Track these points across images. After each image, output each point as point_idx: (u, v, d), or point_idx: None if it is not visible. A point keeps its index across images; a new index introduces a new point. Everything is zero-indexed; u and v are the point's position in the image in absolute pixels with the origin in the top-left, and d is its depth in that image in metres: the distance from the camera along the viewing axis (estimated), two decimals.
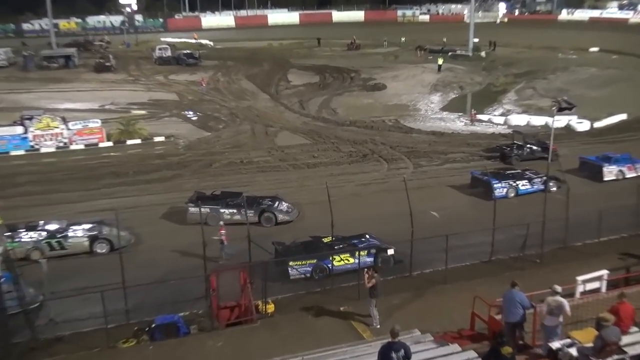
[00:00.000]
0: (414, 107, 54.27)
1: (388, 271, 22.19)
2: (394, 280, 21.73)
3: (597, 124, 45.65)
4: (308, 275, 22.02)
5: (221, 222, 25.23)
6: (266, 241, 23.15)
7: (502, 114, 50.46)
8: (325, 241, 22.90)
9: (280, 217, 27.56)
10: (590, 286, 18.70)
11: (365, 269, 18.88)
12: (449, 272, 21.79)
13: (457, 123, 49.00)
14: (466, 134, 45.16)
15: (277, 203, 28.02)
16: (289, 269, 21.93)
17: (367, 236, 23.74)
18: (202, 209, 25.53)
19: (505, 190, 30.88)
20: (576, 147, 40.50)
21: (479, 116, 49.92)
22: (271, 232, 26.29)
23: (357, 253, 22.02)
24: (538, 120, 46.74)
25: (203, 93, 58.90)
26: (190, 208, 27.23)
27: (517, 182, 31.24)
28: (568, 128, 45.32)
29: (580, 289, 18.27)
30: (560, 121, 45.37)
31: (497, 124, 47.93)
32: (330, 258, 22.10)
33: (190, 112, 50.99)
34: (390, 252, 22.99)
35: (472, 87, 61.87)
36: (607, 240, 24.98)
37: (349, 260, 22.17)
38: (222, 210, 27.18)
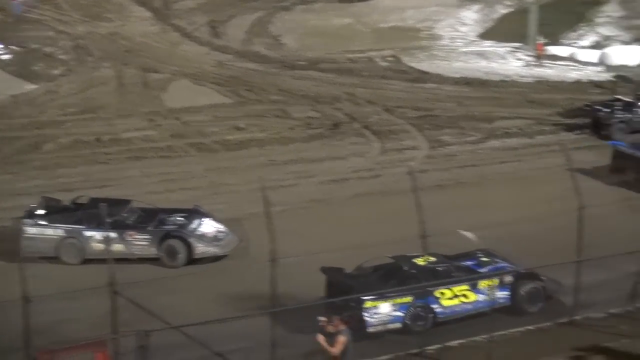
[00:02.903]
0: (430, 33, 54.86)
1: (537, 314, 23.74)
2: (545, 330, 23.16)
3: None
4: (400, 325, 23.09)
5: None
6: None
7: (594, 45, 50.91)
8: (419, 263, 24.18)
9: (200, 248, 27.90)
10: None
11: (323, 319, 19.82)
12: None
13: (511, 62, 49.57)
14: (528, 82, 45.57)
15: (195, 222, 28.76)
16: (364, 314, 22.85)
17: (485, 254, 25.52)
18: (53, 231, 26.91)
19: None
20: None
21: (552, 49, 50.14)
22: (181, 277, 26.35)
23: (481, 284, 23.56)
24: None
25: (20, 10, 58.60)
26: (26, 228, 27.38)
27: None
28: None
29: None
30: None
31: (586, 64, 48.54)
32: (436, 294, 23.35)
33: None
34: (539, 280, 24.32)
35: None
36: None
37: (467, 298, 23.55)
38: (88, 234, 27.64)
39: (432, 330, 23.16)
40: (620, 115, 37.89)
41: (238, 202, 30.84)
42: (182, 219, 28.66)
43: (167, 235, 27.85)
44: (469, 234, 28.38)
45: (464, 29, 55.91)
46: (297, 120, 40.12)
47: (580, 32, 53.77)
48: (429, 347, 22.48)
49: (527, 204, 31.00)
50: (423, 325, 23.24)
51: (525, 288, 24.06)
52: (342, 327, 19.30)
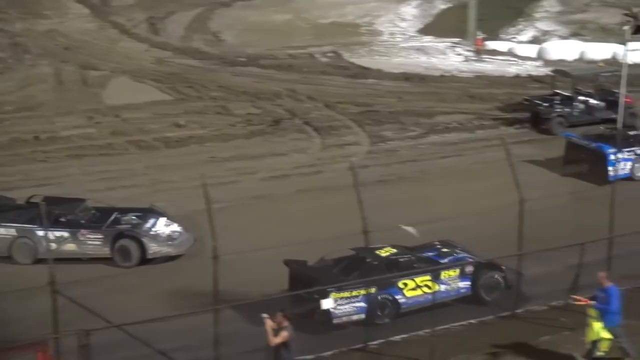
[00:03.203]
0: (370, 29, 55.18)
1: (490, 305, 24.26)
2: (488, 323, 23.50)
3: None
4: (363, 316, 23.34)
5: None
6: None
7: (533, 40, 51.45)
8: (381, 255, 24.60)
9: (153, 247, 27.67)
10: None
11: (265, 315, 19.76)
12: None
13: (451, 57, 50.04)
14: (468, 77, 45.99)
15: (150, 221, 28.64)
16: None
17: (444, 245, 25.99)
18: (5, 230, 27.11)
19: (629, 164, 32.60)
20: None
21: (491, 44, 50.56)
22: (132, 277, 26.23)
23: (443, 274, 24.04)
24: (599, 51, 47.98)
25: None
26: None
27: None
28: None
29: None
30: (639, 51, 46.43)
31: (525, 59, 49.06)
32: (400, 285, 23.71)
33: None
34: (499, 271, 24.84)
35: None
36: None
37: (429, 288, 23.85)
38: (40, 233, 27.30)
39: (395, 320, 23.53)
40: (559, 109, 38.28)
41: (179, 199, 30.65)
42: (136, 218, 28.43)
43: (120, 235, 27.64)
44: (410, 229, 28.41)
45: (403, 24, 56.19)
46: (237, 116, 40.04)
47: (519, 27, 54.29)
48: (372, 342, 22.51)
49: (468, 199, 31.25)
50: (387, 316, 23.62)
51: (486, 278, 24.52)
52: (286, 323, 19.22)
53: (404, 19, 57.06)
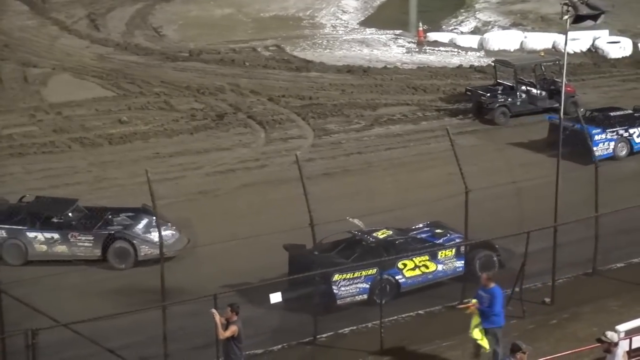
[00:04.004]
0: (312, 22, 54.86)
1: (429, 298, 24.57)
2: (435, 314, 23.96)
3: None
4: (365, 297, 24.02)
5: None
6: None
7: (474, 31, 51.54)
8: (379, 236, 25.46)
9: (144, 249, 27.36)
10: None
11: (214, 310, 19.77)
12: None
13: (393, 49, 49.73)
14: (411, 68, 45.79)
15: (142, 222, 28.22)
16: (334, 287, 23.74)
17: (435, 226, 26.59)
18: None
19: (612, 144, 33.79)
20: (613, 87, 42.47)
21: (433, 35, 50.54)
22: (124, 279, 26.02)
23: (440, 254, 24.72)
24: (540, 41, 48.07)
25: None
26: None
27: (632, 131, 34.38)
28: (594, 53, 47.12)
29: (624, 346, 18.90)
30: (579, 40, 46.72)
31: (467, 49, 49.04)
32: (399, 265, 24.36)
33: None
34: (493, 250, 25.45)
35: None
36: None
37: (427, 268, 24.55)
38: (31, 235, 27.33)
39: (396, 300, 24.05)
40: (501, 99, 38.37)
41: (123, 196, 30.51)
42: (128, 219, 28.07)
43: (111, 237, 27.35)
44: (356, 221, 28.50)
45: (345, 17, 56.03)
46: (181, 112, 39.70)
47: (460, 18, 54.36)
48: (321, 335, 22.62)
49: (413, 189, 31.44)
50: (388, 295, 24.04)
51: (480, 257, 25.08)
52: (235, 317, 19.24)
53: (345, 12, 56.97)
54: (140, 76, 44.29)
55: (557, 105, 33.55)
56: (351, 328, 22.87)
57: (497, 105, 38.11)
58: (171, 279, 21.91)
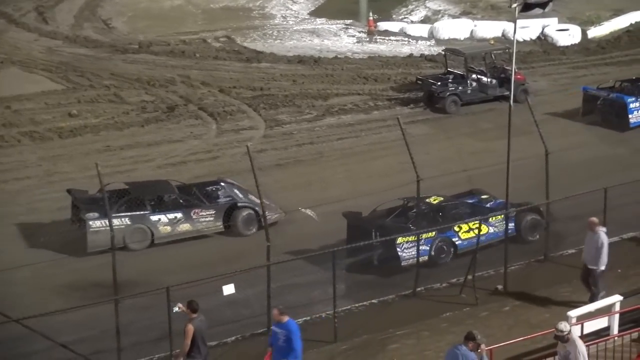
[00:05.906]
0: (262, 12, 54.71)
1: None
2: (389, 303, 24.19)
3: (595, 32, 48.20)
4: (426, 257, 25.59)
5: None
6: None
7: (424, 19, 51.59)
8: (432, 202, 26.97)
9: (268, 215, 27.47)
10: (592, 326, 19.97)
11: (180, 304, 19.90)
12: None
13: (344, 39, 49.76)
14: (361, 58, 45.92)
15: (240, 192, 29.26)
16: (398, 249, 25.11)
17: (479, 193, 28.24)
18: (118, 221, 26.45)
19: None
20: (563, 74, 42.87)
21: (383, 24, 50.61)
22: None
23: (491, 218, 26.08)
24: (489, 29, 48.37)
25: None
26: (91, 222, 27.00)
27: None
28: (543, 41, 47.49)
29: (576, 331, 19.15)
30: (528, 29, 47.04)
31: (418, 38, 49.15)
32: (455, 229, 26.06)
33: None
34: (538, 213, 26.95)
35: None
36: (621, 241, 26.55)
37: (481, 230, 25.20)
38: (154, 218, 27.64)
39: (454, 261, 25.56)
40: (452, 88, 38.53)
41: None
42: (227, 190, 29.07)
43: (233, 206, 28.15)
44: (309, 212, 28.67)
45: (295, 7, 55.93)
46: (131, 104, 39.46)
47: (410, 7, 54.38)
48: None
49: (365, 179, 31.58)
50: (446, 256, 25.99)
51: (527, 219, 26.60)
52: (193, 315, 18.98)
53: (295, 2, 56.82)
54: (89, 69, 43.96)
55: (507, 93, 33.81)
56: (304, 319, 22.83)
57: (448, 94, 38.28)
58: (123, 271, 21.86)
